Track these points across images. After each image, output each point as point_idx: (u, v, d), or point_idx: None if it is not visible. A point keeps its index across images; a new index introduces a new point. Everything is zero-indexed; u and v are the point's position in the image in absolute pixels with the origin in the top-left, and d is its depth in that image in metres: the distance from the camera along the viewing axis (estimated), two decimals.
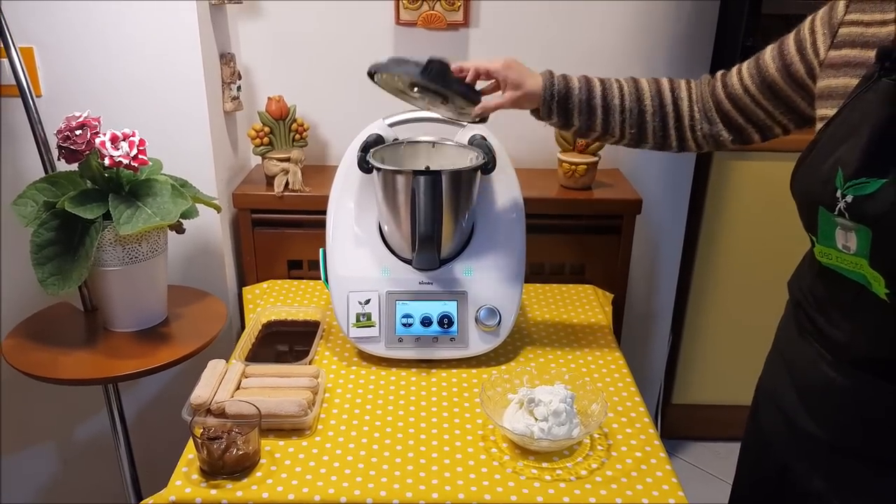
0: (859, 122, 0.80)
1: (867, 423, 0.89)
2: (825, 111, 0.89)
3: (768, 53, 1.02)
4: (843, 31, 0.89)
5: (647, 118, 1.12)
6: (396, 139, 1.35)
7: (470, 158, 1.31)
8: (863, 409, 0.89)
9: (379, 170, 1.25)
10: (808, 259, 0.96)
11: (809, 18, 0.96)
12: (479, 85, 1.17)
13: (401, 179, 1.23)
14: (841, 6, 0.90)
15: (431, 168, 1.26)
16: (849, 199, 0.79)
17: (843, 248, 0.82)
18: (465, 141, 1.34)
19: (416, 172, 1.20)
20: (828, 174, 0.82)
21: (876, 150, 0.78)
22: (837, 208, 0.80)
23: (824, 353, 0.92)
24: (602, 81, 1.14)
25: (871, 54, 0.83)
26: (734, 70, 1.08)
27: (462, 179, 1.25)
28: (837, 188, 0.80)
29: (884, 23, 0.84)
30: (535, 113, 1.16)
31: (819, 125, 0.90)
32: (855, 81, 0.84)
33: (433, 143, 1.35)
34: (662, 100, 1.12)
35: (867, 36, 0.86)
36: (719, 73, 1.11)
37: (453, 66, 1.13)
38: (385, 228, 1.32)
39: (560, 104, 1.13)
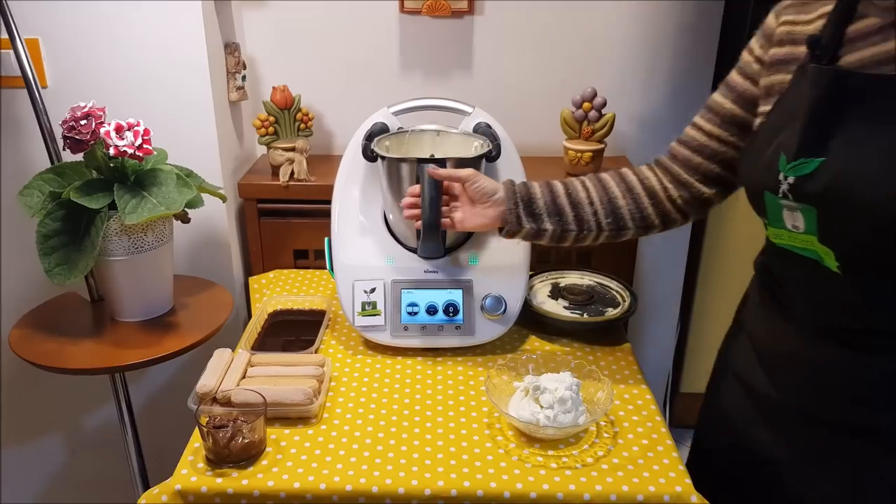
0: (796, 109, 0.85)
1: (833, 390, 0.91)
2: (765, 107, 0.94)
3: (717, 94, 1.04)
4: (777, 33, 0.94)
5: (619, 203, 1.10)
6: (401, 128, 1.34)
7: (475, 146, 1.30)
8: (828, 377, 0.91)
9: (383, 158, 1.25)
10: (767, 238, 0.98)
11: (746, 48, 1.00)
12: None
13: (405, 168, 1.22)
14: (772, 17, 0.96)
15: (436, 156, 1.25)
16: (791, 180, 0.83)
17: (793, 227, 0.86)
18: (471, 129, 1.34)
19: (421, 160, 1.19)
20: (770, 159, 0.86)
21: (811, 131, 0.82)
22: (781, 191, 0.85)
23: (787, 326, 0.95)
24: (562, 182, 1.13)
25: (803, 49, 0.88)
26: (687, 129, 1.08)
27: (467, 167, 1.24)
28: (780, 171, 0.85)
29: (809, 21, 0.90)
30: (506, 230, 1.13)
31: (759, 120, 0.95)
32: (790, 77, 0.90)
33: (438, 132, 1.35)
34: (628, 183, 1.12)
35: (796, 33, 0.91)
36: (672, 142, 1.11)
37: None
38: (390, 217, 1.32)
39: (526, 210, 1.10)
